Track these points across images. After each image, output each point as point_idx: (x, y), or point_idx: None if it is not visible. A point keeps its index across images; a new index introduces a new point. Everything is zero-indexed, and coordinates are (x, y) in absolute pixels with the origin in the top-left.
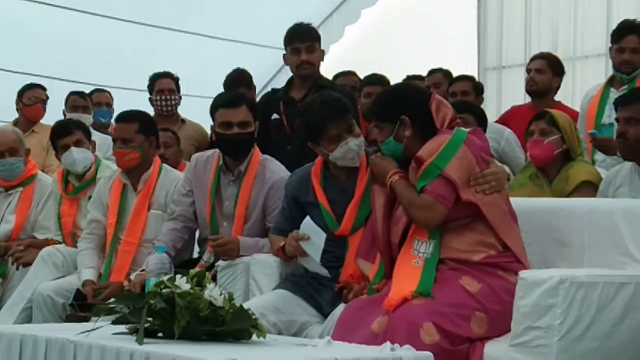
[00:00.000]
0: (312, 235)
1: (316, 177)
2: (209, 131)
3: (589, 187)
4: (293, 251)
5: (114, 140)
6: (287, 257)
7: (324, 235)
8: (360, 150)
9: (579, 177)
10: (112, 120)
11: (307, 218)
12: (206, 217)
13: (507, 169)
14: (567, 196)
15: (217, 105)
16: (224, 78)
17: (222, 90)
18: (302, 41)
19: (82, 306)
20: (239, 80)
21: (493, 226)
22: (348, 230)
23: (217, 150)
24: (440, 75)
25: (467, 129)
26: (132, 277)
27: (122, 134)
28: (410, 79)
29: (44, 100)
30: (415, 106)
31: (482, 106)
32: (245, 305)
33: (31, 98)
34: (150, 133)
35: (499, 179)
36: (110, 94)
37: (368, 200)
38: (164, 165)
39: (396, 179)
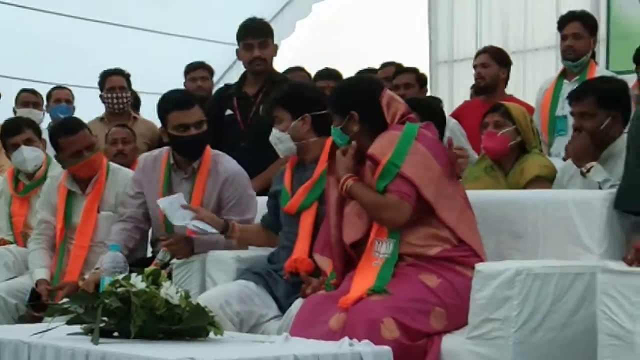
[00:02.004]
0: (173, 205)
1: (291, 163)
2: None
3: (543, 182)
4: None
5: (75, 153)
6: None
7: (181, 195)
8: (279, 143)
9: (532, 172)
10: None
11: (160, 199)
12: (159, 216)
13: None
14: (523, 188)
15: (169, 108)
16: (179, 72)
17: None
18: (255, 37)
19: (36, 306)
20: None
21: (446, 222)
22: (295, 208)
23: (164, 148)
24: (392, 69)
25: (418, 124)
26: (86, 276)
27: (84, 142)
28: (363, 72)
29: None
30: (366, 101)
31: None
32: (210, 294)
33: None
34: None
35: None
36: (70, 91)
37: (321, 184)
38: (111, 164)
39: (351, 184)
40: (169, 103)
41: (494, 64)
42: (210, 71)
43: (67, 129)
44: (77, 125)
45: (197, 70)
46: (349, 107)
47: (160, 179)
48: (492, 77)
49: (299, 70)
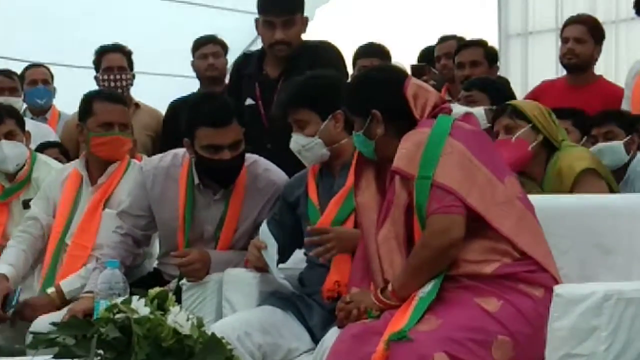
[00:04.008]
0: (268, 244)
1: (314, 171)
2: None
3: (594, 178)
4: (255, 261)
5: (106, 124)
6: (257, 269)
7: (275, 245)
8: (306, 151)
9: (574, 168)
10: (54, 102)
11: (264, 223)
12: (179, 245)
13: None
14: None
15: (199, 122)
16: (189, 48)
17: (183, 66)
18: (278, 14)
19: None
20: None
21: (502, 232)
22: (328, 223)
23: (176, 155)
24: (454, 43)
25: (453, 116)
26: (65, 288)
27: (122, 117)
28: (424, 53)
29: None
30: (388, 96)
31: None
32: (227, 322)
33: None
34: None
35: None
36: (48, 69)
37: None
38: (133, 161)
39: (390, 291)
40: (201, 116)
41: (590, 39)
42: (223, 46)
43: (109, 95)
44: (120, 98)
45: (208, 46)
46: (369, 105)
47: (180, 199)
48: (587, 56)
49: (327, 46)
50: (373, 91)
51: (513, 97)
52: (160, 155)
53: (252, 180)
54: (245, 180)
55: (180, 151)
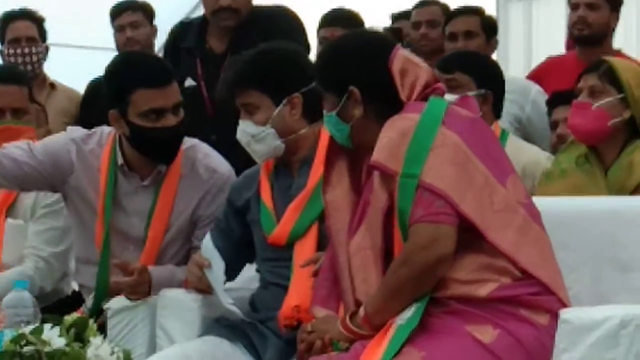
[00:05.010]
0: (212, 262)
1: (267, 168)
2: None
3: None
4: (196, 282)
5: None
6: (198, 291)
7: (221, 264)
8: (256, 142)
9: None
10: None
11: (207, 235)
12: (97, 239)
13: None
14: (631, 193)
15: (136, 84)
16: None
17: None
18: None
19: None
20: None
21: (499, 245)
22: (284, 237)
23: (102, 132)
24: (438, 10)
25: (449, 99)
26: None
27: (14, 100)
28: (399, 17)
29: None
30: (370, 70)
31: (502, 55)
32: (162, 356)
33: None
34: None
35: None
36: None
37: (320, 197)
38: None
39: (362, 317)
40: (137, 76)
41: (605, 5)
42: (146, 12)
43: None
44: (14, 76)
45: (123, 15)
46: (345, 80)
47: (100, 183)
48: (601, 25)
49: (283, 13)
50: (351, 63)
51: (503, 81)
52: (86, 132)
53: (189, 166)
54: (181, 166)
55: (107, 129)
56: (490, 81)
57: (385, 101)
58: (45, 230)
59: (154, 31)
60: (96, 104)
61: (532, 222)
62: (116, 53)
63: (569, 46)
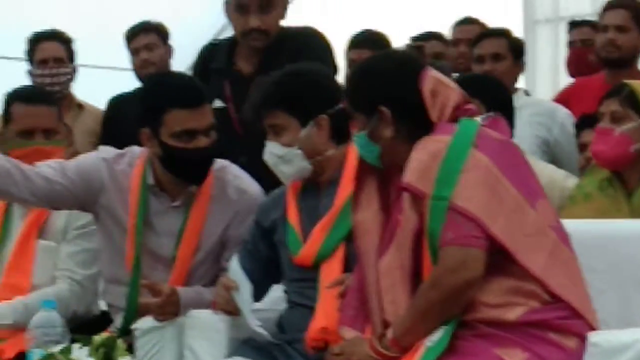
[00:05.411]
0: (240, 284)
1: (294, 189)
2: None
3: None
4: (224, 304)
5: (25, 132)
6: (226, 313)
7: (249, 286)
8: (283, 163)
9: None
10: None
11: (234, 258)
12: (127, 259)
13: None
14: None
15: (169, 104)
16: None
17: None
18: None
19: None
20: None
21: (529, 269)
22: (310, 258)
23: (131, 152)
24: (477, 29)
25: (478, 120)
26: None
27: (45, 121)
28: (419, 39)
29: None
30: (401, 91)
31: (530, 77)
32: None
33: None
34: None
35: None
36: None
37: (347, 217)
38: None
39: (390, 339)
40: (170, 96)
41: (634, 27)
42: (160, 33)
43: (29, 95)
44: (44, 97)
45: (137, 38)
46: (376, 100)
47: (131, 203)
48: (630, 48)
49: (312, 34)
50: (381, 83)
51: (511, 103)
52: (117, 152)
53: (219, 187)
54: (211, 187)
55: (137, 149)
56: (498, 104)
57: (416, 122)
58: (78, 252)
59: (168, 51)
60: (118, 121)
61: (562, 245)
62: None
63: (570, 69)
